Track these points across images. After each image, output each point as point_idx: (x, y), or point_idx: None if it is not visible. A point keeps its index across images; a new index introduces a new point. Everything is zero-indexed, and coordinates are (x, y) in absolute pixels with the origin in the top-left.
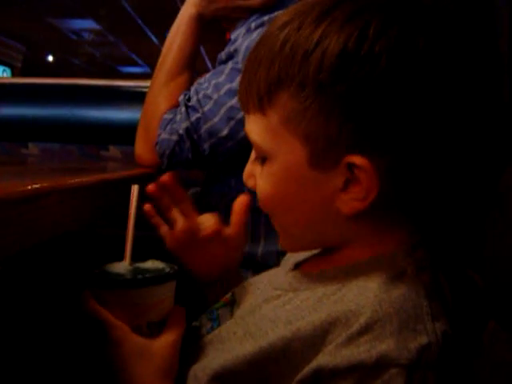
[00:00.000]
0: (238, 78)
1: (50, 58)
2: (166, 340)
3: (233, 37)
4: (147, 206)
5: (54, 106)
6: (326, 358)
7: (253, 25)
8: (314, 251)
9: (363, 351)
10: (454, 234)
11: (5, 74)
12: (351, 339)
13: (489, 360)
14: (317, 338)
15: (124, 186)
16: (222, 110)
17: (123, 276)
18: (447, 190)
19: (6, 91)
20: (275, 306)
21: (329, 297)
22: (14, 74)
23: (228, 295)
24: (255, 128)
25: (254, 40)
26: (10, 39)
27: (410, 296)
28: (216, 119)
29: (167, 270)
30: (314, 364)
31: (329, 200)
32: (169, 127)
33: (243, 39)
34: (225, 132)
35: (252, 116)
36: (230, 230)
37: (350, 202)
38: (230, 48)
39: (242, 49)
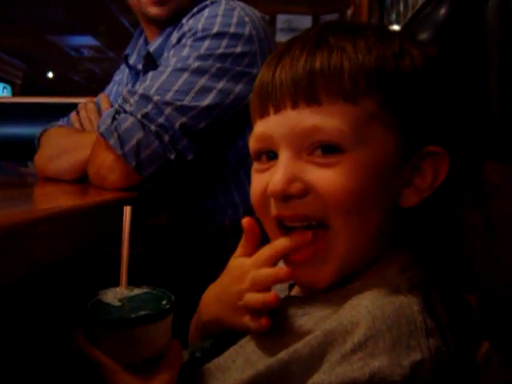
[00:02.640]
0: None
1: (50, 75)
2: (162, 379)
3: (152, 49)
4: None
5: None
6: (321, 376)
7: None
8: None
9: (356, 368)
10: (447, 255)
11: (5, 92)
12: (345, 357)
13: (484, 382)
14: (314, 359)
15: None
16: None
17: (117, 311)
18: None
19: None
20: (272, 332)
21: (325, 320)
22: (14, 91)
23: None
24: (341, 117)
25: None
26: (10, 56)
27: (404, 312)
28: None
29: (163, 303)
30: (309, 383)
31: (394, 197)
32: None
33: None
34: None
35: (329, 105)
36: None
37: (416, 193)
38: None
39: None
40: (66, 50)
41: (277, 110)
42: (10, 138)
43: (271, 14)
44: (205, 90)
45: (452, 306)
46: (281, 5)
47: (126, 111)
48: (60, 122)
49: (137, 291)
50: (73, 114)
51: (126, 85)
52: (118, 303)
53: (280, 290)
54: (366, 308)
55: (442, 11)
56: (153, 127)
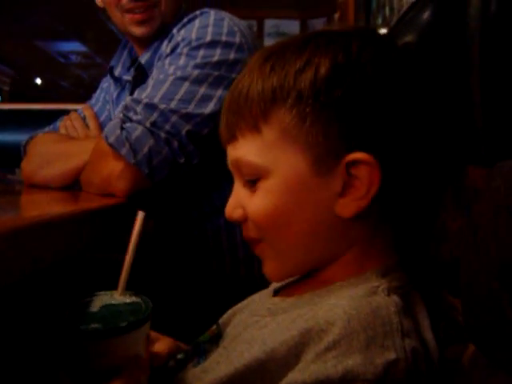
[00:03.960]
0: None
1: (39, 81)
2: None
3: (143, 60)
4: None
5: None
6: (295, 374)
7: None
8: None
9: (330, 366)
10: (431, 258)
11: None
12: (319, 355)
13: None
14: (291, 358)
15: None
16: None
17: (89, 320)
18: (421, 199)
19: None
20: (252, 330)
21: (302, 316)
22: (2, 98)
23: (213, 327)
24: (249, 149)
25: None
26: None
27: (380, 313)
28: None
29: (131, 319)
30: (283, 382)
31: (328, 208)
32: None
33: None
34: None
35: (242, 140)
36: None
37: (352, 202)
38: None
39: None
40: (53, 56)
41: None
42: None
43: (259, 19)
44: (206, 99)
45: (437, 309)
46: (268, 10)
47: (132, 120)
48: (46, 129)
49: (125, 299)
50: (59, 123)
51: (112, 93)
52: (96, 310)
53: (264, 294)
54: (342, 308)
55: (426, 15)
56: (162, 134)
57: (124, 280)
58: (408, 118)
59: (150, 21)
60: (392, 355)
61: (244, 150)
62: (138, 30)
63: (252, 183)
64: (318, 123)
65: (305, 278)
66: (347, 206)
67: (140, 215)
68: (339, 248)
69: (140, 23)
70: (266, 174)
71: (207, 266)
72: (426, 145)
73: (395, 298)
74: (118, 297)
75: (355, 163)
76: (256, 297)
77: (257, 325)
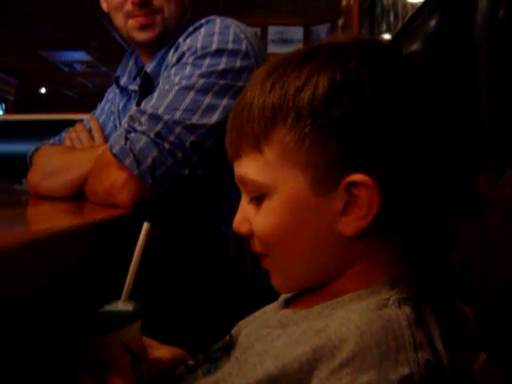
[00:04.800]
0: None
1: (43, 91)
2: None
3: (149, 69)
4: None
5: None
6: None
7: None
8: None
9: (345, 383)
10: (441, 267)
11: None
12: (333, 372)
13: None
14: (303, 374)
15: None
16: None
17: (92, 322)
18: (430, 209)
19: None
20: (264, 343)
21: (313, 329)
22: (7, 108)
23: (226, 337)
24: (252, 168)
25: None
26: (3, 73)
27: (392, 327)
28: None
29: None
30: None
31: (330, 226)
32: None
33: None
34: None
35: (245, 159)
36: None
37: (353, 222)
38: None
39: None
40: (58, 65)
41: None
42: (4, 156)
43: (263, 26)
44: (211, 109)
45: (447, 318)
46: (272, 16)
47: (136, 130)
48: (52, 141)
49: (127, 307)
50: (65, 135)
51: (118, 104)
52: (94, 316)
53: (275, 306)
54: (354, 323)
55: (433, 22)
56: (166, 145)
57: (127, 289)
58: (410, 137)
59: (152, 26)
60: (406, 370)
61: (247, 169)
62: (140, 36)
63: (257, 200)
64: (316, 144)
65: (315, 289)
66: (349, 225)
67: (145, 226)
68: (344, 262)
69: (142, 28)
70: (270, 192)
71: (216, 275)
72: (430, 160)
73: (406, 309)
74: (120, 305)
75: (355, 184)
76: (267, 308)
77: (269, 337)
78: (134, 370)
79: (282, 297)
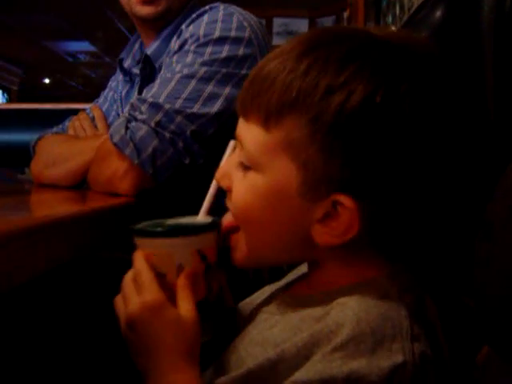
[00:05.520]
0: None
1: (47, 81)
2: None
3: (149, 52)
4: None
5: None
6: (302, 372)
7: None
8: (304, 271)
9: (335, 366)
10: (439, 260)
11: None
12: (326, 355)
13: None
14: (300, 359)
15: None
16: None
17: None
18: (427, 229)
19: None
20: (262, 329)
21: (311, 315)
22: (10, 97)
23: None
24: (253, 138)
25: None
26: (7, 63)
27: (390, 316)
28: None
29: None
30: (290, 379)
31: (304, 227)
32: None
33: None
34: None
35: (252, 125)
36: None
37: (325, 235)
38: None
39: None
40: (62, 55)
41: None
42: (7, 145)
43: (268, 18)
44: (212, 97)
45: (450, 311)
46: (277, 8)
47: (137, 119)
48: (55, 130)
49: (203, 220)
50: (68, 123)
51: (121, 92)
52: (166, 222)
53: (273, 289)
54: (352, 310)
55: (438, 13)
56: (167, 134)
57: (207, 203)
58: (421, 171)
59: (156, 1)
60: (400, 358)
61: (248, 136)
62: (143, 10)
63: (245, 167)
64: (323, 152)
65: (314, 276)
66: (322, 236)
67: (231, 144)
68: (319, 257)
69: (146, 3)
70: (258, 170)
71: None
72: (438, 193)
73: (407, 300)
74: (199, 218)
75: (341, 204)
76: (266, 289)
77: (267, 323)
78: (206, 281)
79: (283, 280)
